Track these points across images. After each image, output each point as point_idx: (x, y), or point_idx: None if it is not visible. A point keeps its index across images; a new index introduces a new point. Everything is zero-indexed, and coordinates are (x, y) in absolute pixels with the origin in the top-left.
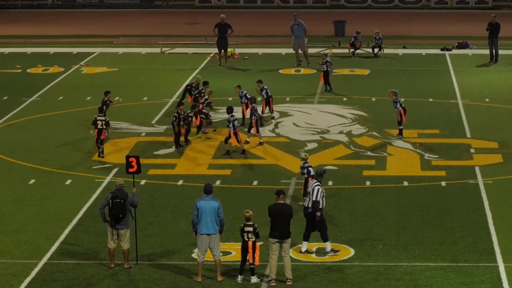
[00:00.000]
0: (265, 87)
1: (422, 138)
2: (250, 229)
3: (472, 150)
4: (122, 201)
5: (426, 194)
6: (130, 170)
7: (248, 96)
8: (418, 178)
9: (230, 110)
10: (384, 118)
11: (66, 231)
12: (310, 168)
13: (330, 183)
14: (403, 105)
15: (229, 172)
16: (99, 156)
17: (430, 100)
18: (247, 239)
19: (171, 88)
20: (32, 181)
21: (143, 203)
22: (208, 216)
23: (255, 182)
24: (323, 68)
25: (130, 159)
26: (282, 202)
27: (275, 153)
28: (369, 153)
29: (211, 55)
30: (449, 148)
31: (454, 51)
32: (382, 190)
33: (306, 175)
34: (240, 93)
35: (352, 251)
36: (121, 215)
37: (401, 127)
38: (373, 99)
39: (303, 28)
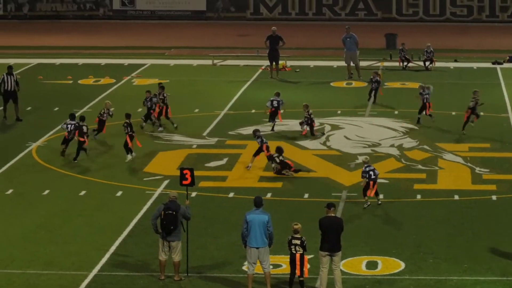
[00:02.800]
0: (278, 99)
1: (473, 152)
2: (298, 242)
3: None
4: (174, 212)
5: (476, 208)
6: (184, 182)
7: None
8: (469, 192)
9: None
10: (435, 132)
11: (117, 243)
12: (371, 172)
13: (381, 196)
14: (428, 99)
15: (280, 184)
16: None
17: (481, 114)
18: (294, 252)
19: (222, 100)
20: (83, 193)
21: (194, 215)
22: (257, 229)
23: (306, 195)
24: (373, 86)
25: (184, 171)
26: (332, 215)
27: (326, 166)
28: (420, 166)
29: (263, 67)
30: (500, 162)
31: (506, 65)
32: (433, 203)
33: (367, 179)
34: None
35: (402, 265)
36: (172, 227)
37: (419, 116)
38: (424, 113)
39: (355, 40)
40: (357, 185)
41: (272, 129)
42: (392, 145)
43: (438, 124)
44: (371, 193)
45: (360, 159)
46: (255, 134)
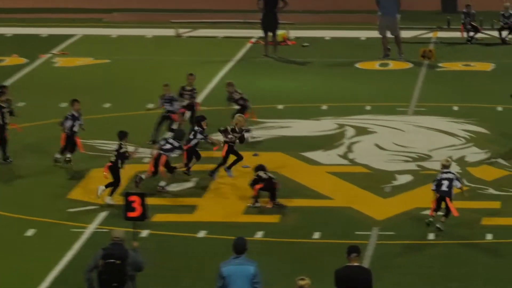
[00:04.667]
0: (239, 92)
1: None
2: None
3: None
4: (119, 262)
5: None
6: (130, 214)
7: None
8: None
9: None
10: None
11: None
12: (444, 182)
13: (430, 236)
14: None
15: (277, 218)
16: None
17: None
18: None
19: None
20: None
21: (146, 265)
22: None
23: (316, 235)
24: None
25: (131, 198)
26: (356, 264)
27: (347, 190)
28: (491, 190)
29: (253, 40)
30: None
31: None
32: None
33: (435, 191)
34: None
35: None
36: (116, 283)
37: None
38: (499, 109)
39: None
40: (394, 219)
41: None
42: (450, 158)
43: None
44: (434, 213)
45: (442, 161)
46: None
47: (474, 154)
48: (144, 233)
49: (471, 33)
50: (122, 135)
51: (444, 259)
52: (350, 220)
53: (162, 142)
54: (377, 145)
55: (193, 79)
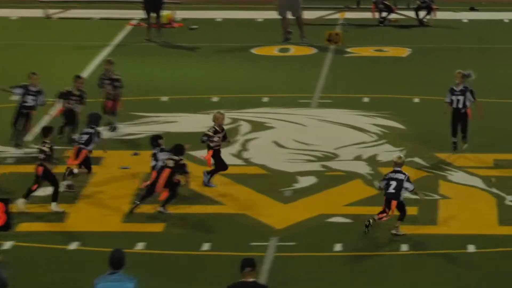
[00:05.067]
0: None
1: (500, 168)
2: None
3: None
4: None
5: (506, 266)
6: None
7: None
8: (493, 238)
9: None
10: (435, 133)
11: None
12: (392, 182)
13: (337, 247)
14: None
15: (161, 227)
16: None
17: None
18: None
19: (62, 80)
20: None
21: (11, 280)
22: None
23: (205, 246)
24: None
25: None
26: (251, 280)
27: (241, 194)
28: (407, 194)
29: (134, 22)
30: None
31: None
32: (430, 259)
33: (383, 192)
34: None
35: None
36: None
37: (454, 140)
38: (416, 100)
39: None
40: (295, 227)
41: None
42: (359, 157)
43: (439, 119)
44: (384, 216)
45: (394, 158)
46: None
47: (387, 152)
48: (7, 244)
49: (384, 14)
50: (46, 132)
51: (351, 273)
52: (245, 229)
53: (78, 137)
54: (276, 143)
55: (82, 83)
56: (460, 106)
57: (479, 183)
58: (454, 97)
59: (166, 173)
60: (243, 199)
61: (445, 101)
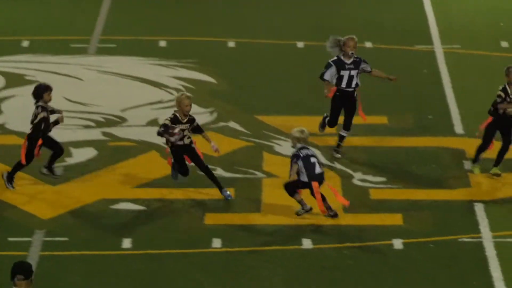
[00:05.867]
0: None
1: (354, 136)
2: None
3: (468, 166)
4: None
5: (342, 259)
6: None
7: None
8: (343, 229)
9: None
10: (254, 88)
11: None
12: (313, 160)
13: (125, 243)
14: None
15: None
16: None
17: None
18: None
19: None
20: None
21: None
22: None
23: None
24: None
25: None
26: None
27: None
28: (221, 170)
29: None
30: (422, 160)
31: None
32: (249, 258)
33: (297, 175)
34: None
35: None
36: None
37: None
38: (231, 44)
39: None
40: (67, 217)
41: None
42: (154, 122)
43: (262, 71)
44: (322, 205)
45: (293, 132)
46: None
47: (193, 114)
48: None
49: None
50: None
51: (139, 274)
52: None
53: None
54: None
55: None
56: None
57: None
58: None
59: None
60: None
61: None
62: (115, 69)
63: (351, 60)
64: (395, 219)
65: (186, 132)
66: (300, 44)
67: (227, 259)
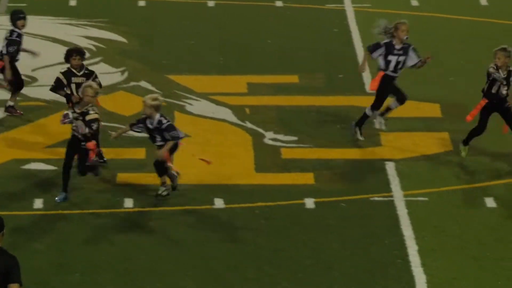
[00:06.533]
0: None
1: (255, 95)
2: None
3: (380, 125)
4: None
5: (254, 222)
6: None
7: None
8: (248, 189)
9: None
10: (168, 49)
11: None
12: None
13: (37, 204)
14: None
15: None
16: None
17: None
18: None
19: None
20: None
21: None
22: None
23: None
24: None
25: None
26: None
27: None
28: (112, 133)
29: None
30: (325, 122)
31: None
32: (159, 218)
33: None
34: None
35: None
36: None
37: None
38: (141, 3)
39: None
40: None
41: None
42: (46, 86)
43: (173, 31)
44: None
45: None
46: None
47: (104, 74)
48: None
49: None
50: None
51: (59, 234)
52: None
53: None
54: None
55: None
56: None
57: (229, 115)
58: None
59: None
60: None
61: None
62: (26, 28)
63: (401, 46)
64: (307, 178)
65: (80, 123)
66: (211, 3)
67: (138, 219)
